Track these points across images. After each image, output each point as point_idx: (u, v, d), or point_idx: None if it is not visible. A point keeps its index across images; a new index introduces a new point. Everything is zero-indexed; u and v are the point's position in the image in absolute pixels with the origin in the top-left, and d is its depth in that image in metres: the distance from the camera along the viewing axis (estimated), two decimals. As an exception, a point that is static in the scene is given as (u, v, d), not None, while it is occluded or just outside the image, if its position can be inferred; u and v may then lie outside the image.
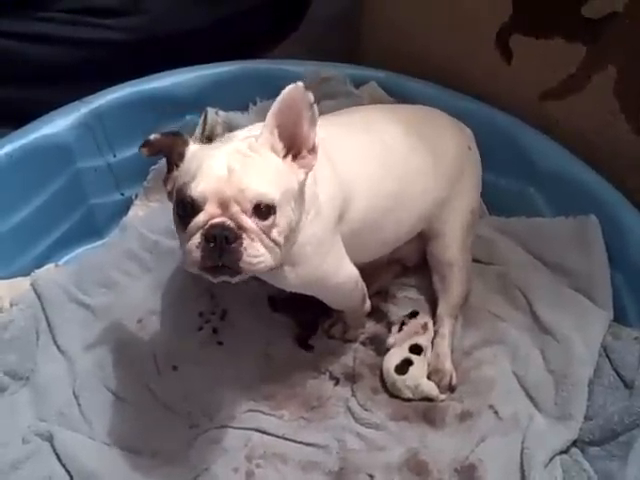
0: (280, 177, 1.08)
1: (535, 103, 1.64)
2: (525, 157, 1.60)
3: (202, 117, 1.67)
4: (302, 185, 1.11)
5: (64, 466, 1.24)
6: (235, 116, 1.66)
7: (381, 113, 1.45)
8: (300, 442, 1.31)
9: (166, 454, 1.28)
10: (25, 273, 1.50)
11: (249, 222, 1.05)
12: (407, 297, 1.54)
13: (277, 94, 1.66)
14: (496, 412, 1.35)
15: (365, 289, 1.37)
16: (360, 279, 1.33)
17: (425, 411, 1.36)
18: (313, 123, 1.08)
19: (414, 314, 1.47)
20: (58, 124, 1.53)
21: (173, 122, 1.61)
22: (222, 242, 1.03)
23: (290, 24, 2.16)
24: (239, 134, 1.22)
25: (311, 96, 1.06)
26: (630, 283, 1.45)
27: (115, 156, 1.61)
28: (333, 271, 1.25)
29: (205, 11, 1.91)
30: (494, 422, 1.34)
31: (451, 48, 1.69)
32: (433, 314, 1.48)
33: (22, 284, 1.48)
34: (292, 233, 1.12)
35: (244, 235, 1.04)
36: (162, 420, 1.33)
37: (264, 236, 1.06)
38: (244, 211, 1.04)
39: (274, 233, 1.07)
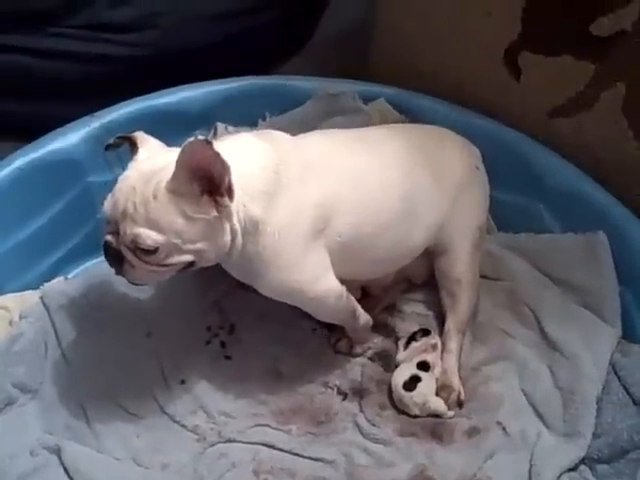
0: (173, 220, 1.11)
1: (544, 120, 1.64)
2: (534, 174, 1.60)
3: (212, 132, 1.68)
4: (217, 219, 1.13)
5: (72, 479, 1.23)
6: (245, 131, 1.67)
7: (385, 131, 1.46)
8: (308, 457, 1.31)
9: (174, 468, 1.28)
10: (34, 286, 1.50)
11: (128, 255, 1.14)
12: (415, 312, 1.54)
13: (286, 110, 1.71)
14: (504, 429, 1.34)
15: (354, 305, 1.37)
16: (345, 294, 1.32)
17: (433, 427, 1.36)
18: (224, 170, 1.08)
19: (426, 333, 1.46)
20: (69, 138, 1.54)
21: (183, 137, 1.60)
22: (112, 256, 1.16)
23: (299, 40, 2.17)
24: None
25: (213, 148, 1.05)
26: (638, 300, 1.44)
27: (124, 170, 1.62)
28: (309, 282, 1.26)
29: (215, 27, 1.92)
30: (502, 439, 1.33)
31: (460, 65, 1.70)
32: (441, 329, 1.48)
33: (31, 297, 1.48)
34: (202, 254, 1.16)
35: (125, 261, 1.15)
36: (170, 434, 1.33)
37: (146, 265, 1.14)
38: (127, 246, 1.12)
39: (158, 261, 1.14)
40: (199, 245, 1.14)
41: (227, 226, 1.15)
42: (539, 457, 1.29)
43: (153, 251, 1.12)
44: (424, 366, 1.41)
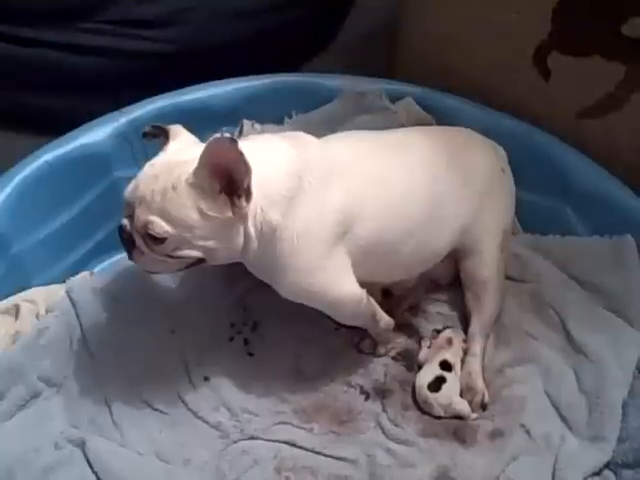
0: (186, 214, 1.11)
1: (572, 121, 1.63)
2: (561, 175, 1.59)
3: (238, 129, 1.68)
4: (231, 220, 1.14)
5: (95, 473, 1.24)
6: (271, 129, 1.67)
7: (411, 134, 1.45)
8: (330, 456, 1.31)
9: (197, 464, 1.29)
10: (61, 280, 1.51)
11: (139, 240, 1.16)
12: (439, 313, 1.54)
13: (313, 107, 1.70)
14: (528, 431, 1.34)
15: (375, 308, 1.36)
16: (365, 298, 1.31)
17: (456, 429, 1.35)
18: (245, 172, 1.08)
19: (443, 329, 1.47)
20: (97, 134, 1.55)
21: (209, 134, 1.61)
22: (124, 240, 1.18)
23: (327, 37, 2.17)
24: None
25: (238, 147, 1.06)
26: (666, 304, 1.42)
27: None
28: (327, 286, 1.25)
29: (244, 24, 1.93)
30: (525, 441, 1.32)
31: (489, 64, 1.69)
32: (465, 330, 1.47)
33: (57, 291, 1.49)
34: (211, 252, 1.17)
35: (135, 246, 1.17)
36: (193, 430, 1.33)
37: (155, 254, 1.15)
38: (138, 231, 1.13)
39: (166, 252, 1.15)
40: (210, 243, 1.15)
41: (241, 228, 1.16)
42: (563, 461, 1.28)
43: (162, 241, 1.13)
44: (447, 366, 1.40)
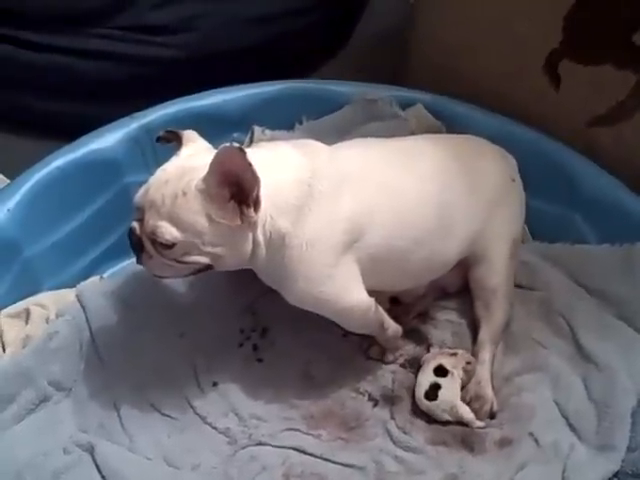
0: (195, 220, 1.12)
1: (583, 129, 1.63)
2: (571, 183, 1.58)
3: (248, 135, 1.69)
4: (240, 227, 1.14)
5: (104, 477, 1.24)
6: (281, 135, 1.68)
7: (421, 142, 1.44)
8: (338, 463, 1.30)
9: (205, 469, 1.28)
10: (71, 285, 1.52)
11: (147, 245, 1.16)
12: (448, 320, 1.53)
13: (323, 114, 1.71)
14: (536, 440, 1.33)
15: (383, 316, 1.36)
16: (374, 306, 1.31)
17: (464, 436, 1.35)
18: (254, 181, 1.09)
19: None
20: (108, 139, 1.55)
21: (220, 139, 1.61)
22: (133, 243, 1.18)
23: (338, 43, 2.18)
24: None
25: (246, 157, 1.06)
26: (676, 314, 1.42)
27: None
28: (337, 294, 1.25)
29: (255, 30, 1.94)
30: (534, 450, 1.32)
31: (499, 72, 1.69)
32: (473, 337, 1.47)
33: (68, 295, 1.49)
34: (220, 259, 1.17)
35: (144, 250, 1.17)
36: (201, 435, 1.33)
37: (163, 258, 1.16)
38: (147, 235, 1.14)
39: (175, 257, 1.15)
40: (218, 250, 1.15)
41: (249, 236, 1.17)
42: (571, 470, 1.27)
43: (170, 246, 1.13)
44: (442, 371, 1.39)
